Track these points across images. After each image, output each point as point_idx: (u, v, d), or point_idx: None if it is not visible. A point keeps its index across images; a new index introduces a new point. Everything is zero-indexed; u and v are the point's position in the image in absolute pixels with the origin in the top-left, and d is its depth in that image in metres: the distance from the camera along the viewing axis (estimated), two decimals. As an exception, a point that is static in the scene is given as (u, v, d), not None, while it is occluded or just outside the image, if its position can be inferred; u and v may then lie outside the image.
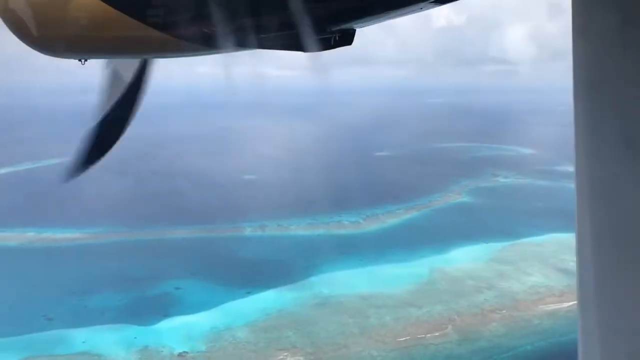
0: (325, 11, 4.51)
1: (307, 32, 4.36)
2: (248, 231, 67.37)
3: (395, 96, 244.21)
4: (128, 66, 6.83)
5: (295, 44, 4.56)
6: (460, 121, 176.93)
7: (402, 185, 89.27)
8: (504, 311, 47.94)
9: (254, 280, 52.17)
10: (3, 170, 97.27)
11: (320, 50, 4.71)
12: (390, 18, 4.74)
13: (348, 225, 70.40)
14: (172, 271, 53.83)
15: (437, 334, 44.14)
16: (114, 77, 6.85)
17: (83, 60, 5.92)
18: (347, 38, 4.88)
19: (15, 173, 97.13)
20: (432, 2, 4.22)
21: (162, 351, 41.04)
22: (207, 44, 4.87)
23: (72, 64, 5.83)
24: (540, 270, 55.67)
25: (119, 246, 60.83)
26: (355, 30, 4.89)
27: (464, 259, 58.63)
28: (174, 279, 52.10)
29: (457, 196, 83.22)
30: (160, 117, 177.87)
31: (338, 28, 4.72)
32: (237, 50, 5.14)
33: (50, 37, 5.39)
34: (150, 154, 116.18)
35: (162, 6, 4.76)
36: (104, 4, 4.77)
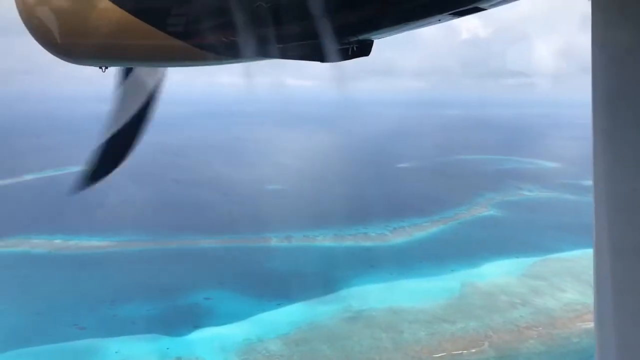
0: (343, 22, 4.48)
1: (326, 43, 4.40)
2: (274, 242, 66.86)
3: (416, 107, 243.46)
4: (140, 79, 6.78)
5: (314, 54, 4.61)
6: (482, 133, 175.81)
7: (426, 197, 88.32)
8: (541, 328, 46.76)
9: (283, 291, 51.48)
10: (29, 177, 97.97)
11: (338, 61, 4.72)
12: (407, 29, 4.69)
13: (375, 237, 69.57)
14: (201, 281, 53.37)
15: (473, 350, 43.10)
16: (126, 89, 6.77)
17: (104, 68, 5.99)
18: (364, 49, 4.92)
19: (40, 180, 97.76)
20: (449, 14, 4.22)
21: (195, 363, 40.58)
22: (227, 53, 4.95)
23: (96, 71, 5.91)
24: (575, 287, 54.40)
25: (146, 255, 60.57)
26: (372, 41, 4.93)
27: (496, 273, 57.51)
28: (203, 289, 51.61)
29: (483, 209, 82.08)
30: (182, 125, 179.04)
31: (356, 39, 4.74)
32: (257, 59, 5.18)
33: (73, 44, 5.46)
34: (172, 163, 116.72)
35: (183, 15, 4.82)
36: (126, 12, 4.89)
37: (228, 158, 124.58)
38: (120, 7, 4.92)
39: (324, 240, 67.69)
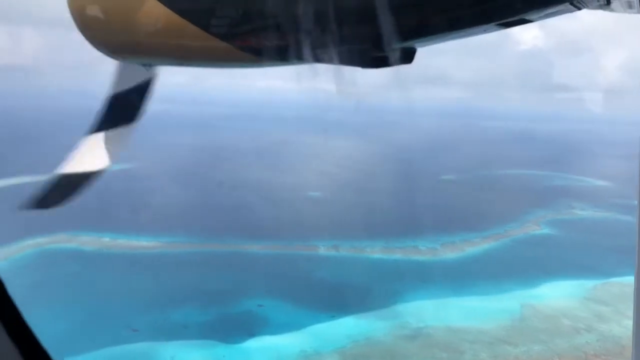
0: (387, 29, 4.40)
1: (368, 49, 4.41)
2: (322, 250, 65.65)
3: (463, 118, 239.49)
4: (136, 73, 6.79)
5: (355, 60, 4.58)
6: (530, 148, 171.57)
7: (474, 212, 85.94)
8: (610, 357, 44.29)
9: (336, 303, 50.15)
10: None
11: (379, 67, 4.67)
12: (452, 39, 4.61)
13: (425, 251, 67.66)
14: (253, 287, 52.43)
15: (540, 376, 41.07)
16: (122, 81, 6.77)
17: (147, 66, 6.19)
18: (407, 56, 4.84)
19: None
20: (495, 25, 4.13)
21: (252, 372, 39.59)
22: (271, 56, 4.93)
23: None
24: (641, 314, 51.50)
25: (195, 257, 60.06)
26: (415, 48, 4.84)
27: (555, 295, 54.99)
28: (255, 296, 50.65)
29: (535, 227, 79.21)
30: (222, 128, 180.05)
31: (399, 46, 4.66)
32: (297, 63, 5.12)
33: (118, 41, 5.61)
34: (216, 165, 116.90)
35: (227, 16, 4.86)
36: (171, 11, 4.95)
37: (267, 162, 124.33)
38: (168, 7, 4.98)
39: (373, 251, 66.11)
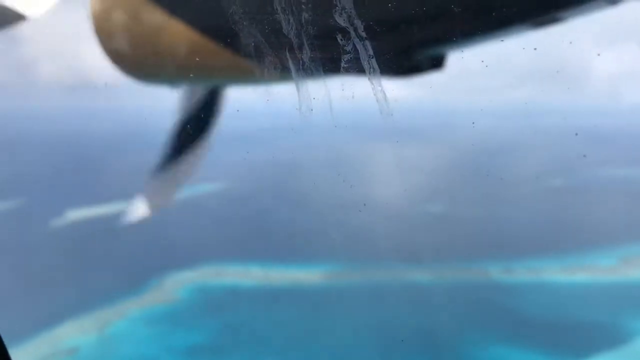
0: (417, 36, 4.46)
1: (398, 57, 4.58)
2: (494, 274, 58.27)
3: (519, 117, 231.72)
4: (203, 92, 6.82)
5: (386, 70, 4.67)
6: (602, 144, 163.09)
7: (622, 221, 78.06)
8: None
9: (573, 347, 42.73)
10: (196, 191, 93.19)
11: (410, 76, 4.87)
12: (482, 43, 4.63)
13: (604, 269, 60.06)
14: (464, 329, 45.32)
15: None
16: (190, 102, 6.79)
17: (173, 86, 6.61)
18: (438, 62, 5.15)
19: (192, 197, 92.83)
20: (526, 27, 4.18)
21: None
22: (294, 71, 5.02)
23: None
24: None
25: (370, 288, 53.18)
26: (446, 54, 5.11)
27: None
28: (477, 340, 43.45)
29: None
30: (276, 141, 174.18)
31: (430, 52, 4.93)
32: (326, 77, 5.26)
33: (143, 65, 5.97)
34: (305, 182, 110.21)
35: (253, 34, 4.88)
36: (195, 31, 5.17)
37: (358, 175, 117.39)
38: (192, 27, 5.15)
39: (552, 272, 58.62)
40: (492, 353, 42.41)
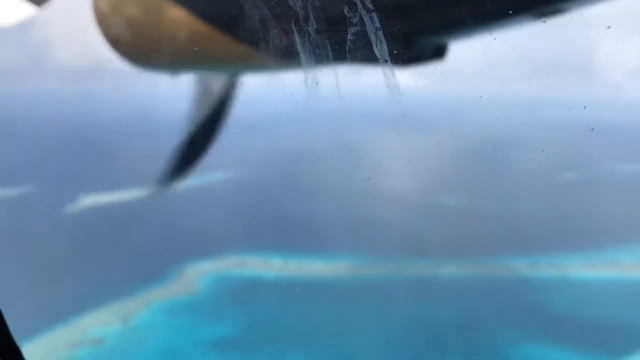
0: (418, 25, 4.38)
1: (400, 46, 4.28)
2: (521, 270, 57.43)
3: (522, 109, 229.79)
4: (218, 81, 6.79)
5: (386, 59, 4.38)
6: (611, 139, 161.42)
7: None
8: None
9: (604, 345, 41.97)
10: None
11: (412, 66, 4.69)
12: (484, 33, 4.55)
13: (628, 265, 59.22)
14: (496, 323, 44.59)
15: None
16: (204, 90, 6.75)
17: (174, 74, 6.39)
18: (440, 52, 4.97)
19: (197, 186, 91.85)
20: (529, 17, 4.05)
21: None
22: (295, 59, 4.81)
23: None
24: None
25: (393, 282, 52.42)
26: (447, 44, 4.91)
27: None
28: (507, 338, 42.74)
29: None
30: (285, 128, 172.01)
31: (431, 42, 4.76)
32: (327, 65, 5.18)
33: (144, 51, 5.84)
34: (316, 171, 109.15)
35: (251, 21, 4.72)
36: (196, 19, 5.01)
37: (369, 165, 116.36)
38: (194, 14, 4.95)
39: (578, 268, 57.76)
40: (522, 350, 41.74)
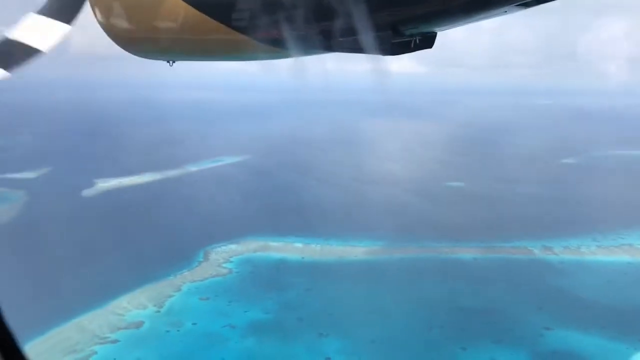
0: (407, 15, 4.38)
1: (388, 36, 4.36)
2: (536, 253, 58.53)
3: (514, 96, 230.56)
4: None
5: (376, 47, 4.51)
6: (602, 125, 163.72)
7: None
8: None
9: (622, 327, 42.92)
10: (192, 168, 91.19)
11: (399, 54, 4.68)
12: (472, 22, 4.52)
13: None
14: (514, 303, 45.70)
15: None
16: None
17: (171, 62, 6.35)
18: (428, 41, 4.84)
19: (204, 171, 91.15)
20: (516, 5, 4.10)
21: None
22: (290, 47, 4.91)
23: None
24: None
25: (413, 264, 53.18)
26: (435, 33, 4.81)
27: None
28: (529, 316, 43.74)
29: None
30: (285, 114, 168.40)
31: (419, 31, 4.63)
32: (318, 53, 5.24)
33: (139, 38, 5.69)
34: (321, 157, 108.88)
35: (248, 10, 4.85)
36: (190, 7, 5.02)
37: (372, 151, 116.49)
38: (187, 2, 4.99)
39: (592, 252, 59.05)
40: (553, 336, 42.53)
